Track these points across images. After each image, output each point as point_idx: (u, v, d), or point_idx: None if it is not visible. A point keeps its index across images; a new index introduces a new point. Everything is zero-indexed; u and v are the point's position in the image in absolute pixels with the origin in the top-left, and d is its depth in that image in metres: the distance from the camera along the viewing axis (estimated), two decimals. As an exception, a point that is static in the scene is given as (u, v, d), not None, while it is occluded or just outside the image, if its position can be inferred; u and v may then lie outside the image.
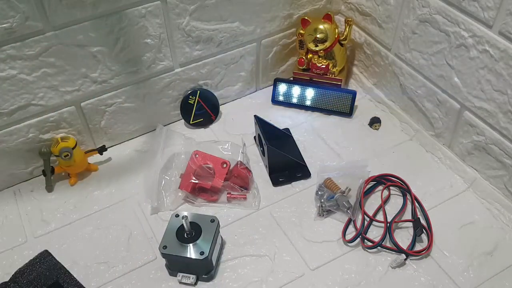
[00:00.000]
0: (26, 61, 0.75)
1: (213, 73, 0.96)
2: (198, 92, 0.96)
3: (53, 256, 0.75)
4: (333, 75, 1.00)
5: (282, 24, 0.98)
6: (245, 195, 0.84)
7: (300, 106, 1.01)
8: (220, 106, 1.00)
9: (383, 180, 0.86)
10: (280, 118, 1.00)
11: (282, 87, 1.01)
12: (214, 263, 0.72)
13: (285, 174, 0.87)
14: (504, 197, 0.81)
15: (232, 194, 0.84)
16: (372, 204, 0.82)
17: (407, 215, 0.81)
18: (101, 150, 0.89)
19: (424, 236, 0.77)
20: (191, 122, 0.97)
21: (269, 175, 0.87)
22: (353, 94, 0.98)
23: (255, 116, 0.89)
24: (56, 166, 0.86)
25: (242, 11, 0.91)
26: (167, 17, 0.83)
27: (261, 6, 0.92)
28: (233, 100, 1.04)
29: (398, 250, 0.74)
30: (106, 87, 0.85)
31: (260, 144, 0.89)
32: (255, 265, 0.75)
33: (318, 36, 0.96)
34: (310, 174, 0.88)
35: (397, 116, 0.98)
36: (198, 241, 0.70)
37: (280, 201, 0.84)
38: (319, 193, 0.82)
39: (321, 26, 0.96)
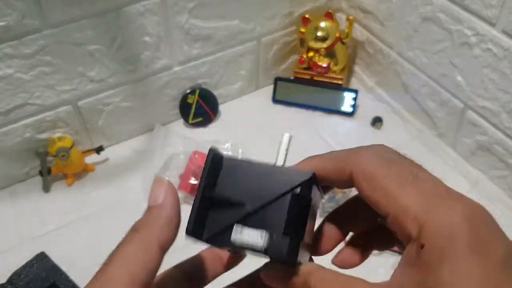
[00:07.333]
0: (22, 59, 0.74)
1: (213, 71, 0.95)
2: (197, 91, 0.94)
3: (49, 258, 0.74)
4: (334, 74, 0.99)
5: (282, 22, 0.97)
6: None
7: (301, 105, 1.00)
8: (220, 106, 0.99)
9: (385, 180, 0.85)
10: (281, 117, 0.99)
11: (283, 86, 1.00)
12: None
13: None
14: (508, 198, 0.80)
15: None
16: (373, 204, 0.81)
17: (409, 216, 0.80)
18: (99, 150, 0.88)
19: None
20: (190, 122, 0.96)
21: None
22: (355, 93, 0.97)
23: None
24: (53, 166, 0.85)
25: (242, 8, 0.89)
26: (166, 15, 0.82)
27: (261, 4, 0.91)
28: (232, 99, 1.03)
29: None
30: (104, 86, 0.84)
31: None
32: (256, 265, 0.74)
33: (319, 34, 0.95)
34: None
35: (400, 116, 0.97)
36: None
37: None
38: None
39: (322, 24, 0.95)
